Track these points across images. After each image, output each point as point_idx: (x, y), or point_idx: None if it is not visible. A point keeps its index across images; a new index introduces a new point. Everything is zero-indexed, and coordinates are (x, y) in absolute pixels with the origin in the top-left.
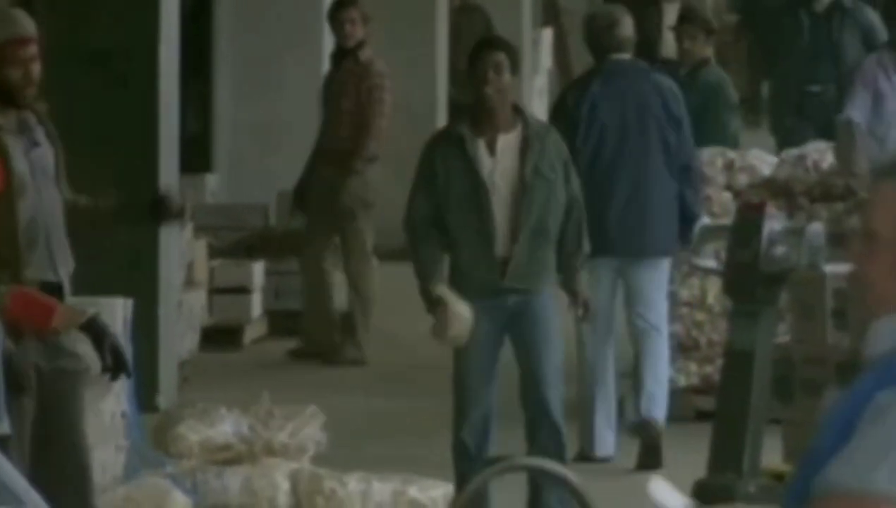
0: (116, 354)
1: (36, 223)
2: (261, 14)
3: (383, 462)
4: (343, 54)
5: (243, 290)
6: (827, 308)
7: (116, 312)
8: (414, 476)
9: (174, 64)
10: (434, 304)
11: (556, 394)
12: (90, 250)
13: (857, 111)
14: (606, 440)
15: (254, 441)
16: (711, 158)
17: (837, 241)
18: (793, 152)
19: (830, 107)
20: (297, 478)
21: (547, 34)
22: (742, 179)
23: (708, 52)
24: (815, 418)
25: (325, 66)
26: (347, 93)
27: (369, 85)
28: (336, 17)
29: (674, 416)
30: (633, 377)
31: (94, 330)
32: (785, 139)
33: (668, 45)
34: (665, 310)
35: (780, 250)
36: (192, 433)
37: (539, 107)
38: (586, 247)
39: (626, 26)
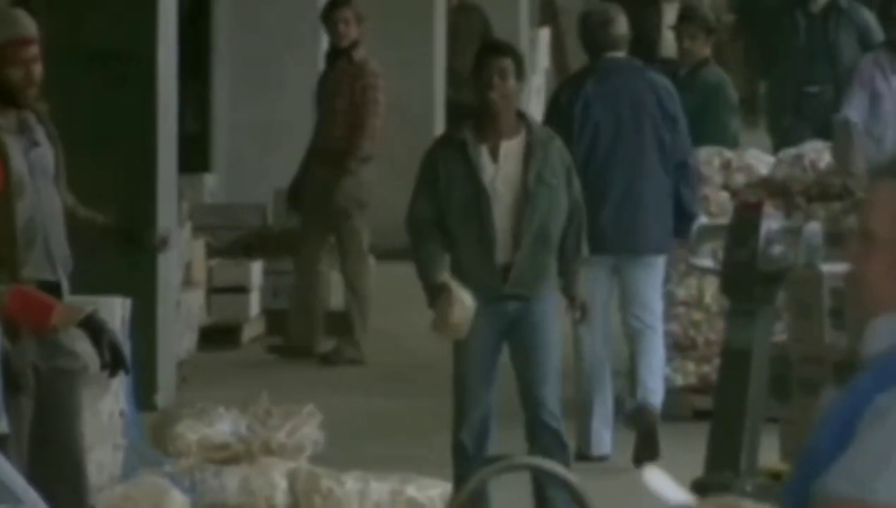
0: (115, 350)
1: (34, 223)
2: (259, 14)
3: (381, 461)
4: (337, 54)
5: (241, 290)
6: (824, 307)
7: (115, 311)
8: (412, 475)
9: (172, 64)
10: (438, 293)
11: (556, 397)
12: (89, 250)
13: (854, 111)
14: (603, 439)
15: (252, 440)
16: (708, 158)
17: (835, 241)
18: (790, 152)
19: (828, 107)
20: (295, 477)
21: (544, 34)
22: (739, 179)
23: (707, 51)
24: (812, 417)
25: (323, 66)
26: (341, 92)
27: (363, 84)
28: (330, 17)
29: (671, 415)
30: (628, 376)
31: (93, 327)
32: (782, 139)
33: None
34: (660, 309)
35: (777, 249)
36: (191, 432)
37: (536, 106)
38: (585, 251)
39: (621, 24)
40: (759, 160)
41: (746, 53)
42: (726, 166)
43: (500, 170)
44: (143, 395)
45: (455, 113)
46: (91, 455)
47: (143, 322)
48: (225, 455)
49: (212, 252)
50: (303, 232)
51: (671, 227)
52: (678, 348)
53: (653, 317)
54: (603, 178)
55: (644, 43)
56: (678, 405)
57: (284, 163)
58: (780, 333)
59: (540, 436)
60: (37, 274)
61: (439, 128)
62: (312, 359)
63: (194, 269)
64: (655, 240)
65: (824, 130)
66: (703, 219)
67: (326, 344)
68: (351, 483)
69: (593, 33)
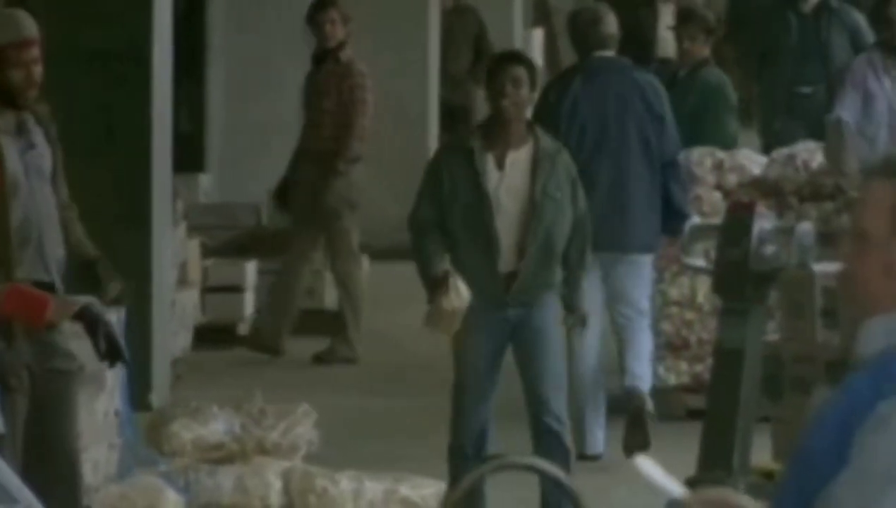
0: (111, 341)
1: (29, 223)
2: (253, 14)
3: (375, 460)
4: (324, 55)
5: (236, 289)
6: (816, 306)
7: (110, 311)
8: (406, 474)
9: (167, 64)
10: (438, 285)
11: (560, 399)
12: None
13: (846, 111)
14: (597, 438)
15: (246, 439)
16: (701, 158)
17: (827, 240)
18: (783, 152)
19: (820, 107)
20: (290, 477)
21: (538, 34)
22: (732, 179)
23: (707, 52)
24: (804, 416)
25: None
26: (329, 93)
27: (351, 85)
28: (315, 19)
29: (664, 415)
30: (620, 374)
31: (88, 318)
32: (773, 140)
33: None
34: (647, 305)
35: (769, 249)
36: (185, 431)
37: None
38: (588, 263)
39: (611, 23)
40: (752, 160)
41: (738, 54)
42: (719, 166)
43: (505, 178)
44: (138, 395)
45: (449, 114)
46: (86, 454)
47: (138, 321)
48: (219, 455)
49: (206, 251)
50: (293, 232)
51: (658, 226)
52: (671, 347)
53: (639, 314)
54: (589, 177)
55: (640, 43)
56: (671, 404)
57: (278, 162)
58: (772, 332)
59: (542, 438)
60: (31, 275)
61: (434, 129)
62: (307, 359)
63: (189, 269)
64: (642, 239)
65: (817, 131)
66: (695, 219)
67: (310, 344)
68: (345, 482)
69: (583, 32)
